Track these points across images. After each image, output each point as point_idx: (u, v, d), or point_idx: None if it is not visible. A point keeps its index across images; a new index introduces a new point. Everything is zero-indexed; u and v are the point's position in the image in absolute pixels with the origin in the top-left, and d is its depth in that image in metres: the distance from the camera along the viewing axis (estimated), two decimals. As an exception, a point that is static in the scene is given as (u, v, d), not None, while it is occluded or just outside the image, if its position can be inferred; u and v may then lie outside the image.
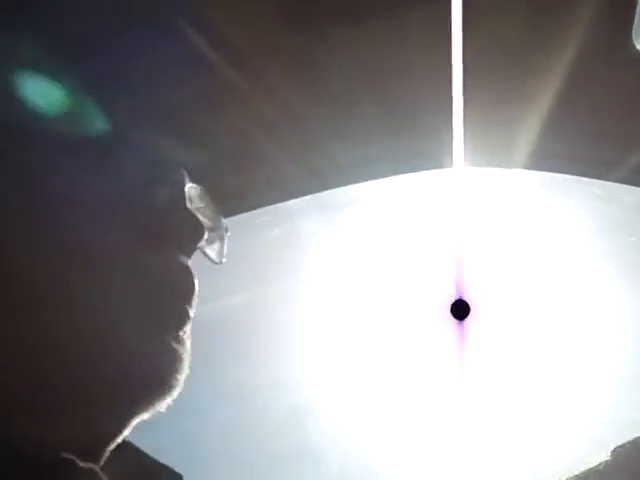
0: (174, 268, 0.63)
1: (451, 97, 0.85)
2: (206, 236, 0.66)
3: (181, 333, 0.61)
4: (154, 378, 0.59)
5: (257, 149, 0.92)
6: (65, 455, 0.53)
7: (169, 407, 0.63)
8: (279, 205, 1.02)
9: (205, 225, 0.67)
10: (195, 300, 0.64)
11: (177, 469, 0.69)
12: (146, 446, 0.66)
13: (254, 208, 1.02)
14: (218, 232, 0.73)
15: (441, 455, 1.26)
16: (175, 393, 0.60)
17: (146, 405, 0.59)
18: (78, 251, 0.58)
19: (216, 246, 0.73)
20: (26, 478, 0.50)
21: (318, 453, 1.25)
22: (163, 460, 0.69)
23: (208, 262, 0.73)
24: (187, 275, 0.63)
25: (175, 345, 0.60)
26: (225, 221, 0.75)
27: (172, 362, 0.59)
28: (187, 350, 0.61)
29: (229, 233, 0.75)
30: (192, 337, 0.64)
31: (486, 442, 1.21)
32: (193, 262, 0.70)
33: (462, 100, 0.85)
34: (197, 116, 0.85)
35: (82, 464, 0.53)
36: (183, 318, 0.62)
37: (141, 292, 0.59)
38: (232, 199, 0.97)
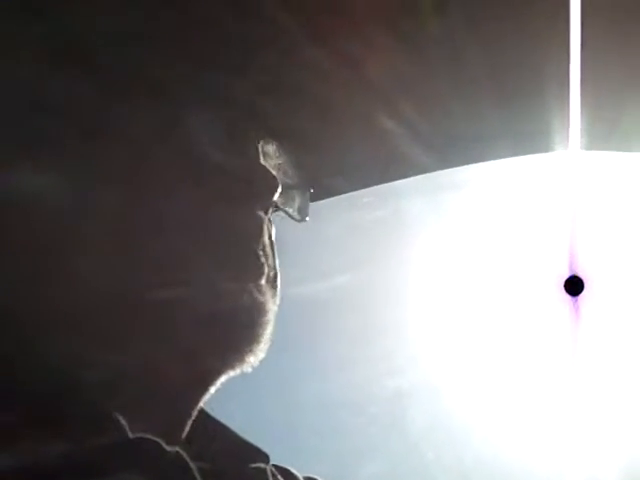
0: (249, 221, 0.63)
1: (568, 77, 0.83)
2: (280, 190, 0.65)
3: (262, 282, 0.61)
4: (240, 326, 0.59)
5: (364, 129, 0.91)
6: (150, 437, 0.53)
7: (268, 382, 0.63)
8: (383, 186, 1.01)
9: (282, 181, 0.66)
10: (274, 251, 0.65)
11: (271, 445, 0.69)
12: (241, 422, 0.66)
13: (358, 188, 1.02)
14: (299, 189, 0.73)
15: (551, 438, 1.24)
16: (263, 347, 0.60)
17: (235, 357, 0.60)
18: (158, 204, 0.58)
19: (297, 204, 0.72)
20: (112, 460, 0.51)
21: (415, 439, 1.25)
22: (258, 437, 0.70)
23: (313, 244, 0.73)
24: (262, 227, 0.63)
25: (257, 295, 0.60)
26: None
27: (255, 309, 0.60)
28: (271, 301, 0.62)
29: (312, 190, 0.75)
30: (296, 317, 0.65)
31: (597, 423, 1.18)
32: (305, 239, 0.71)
33: (579, 80, 0.82)
34: (304, 88, 0.84)
35: (168, 448, 0.54)
36: (260, 268, 0.62)
37: (219, 245, 0.60)
38: (336, 178, 0.97)
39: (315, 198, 0.96)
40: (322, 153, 0.93)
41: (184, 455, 0.55)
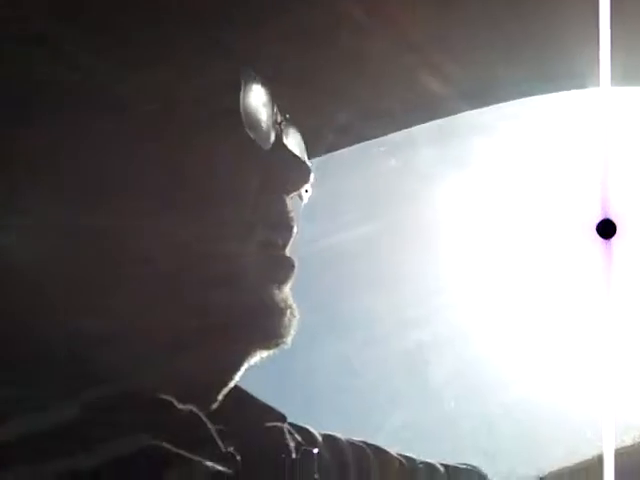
0: (282, 210, 0.62)
1: (597, 12, 0.79)
2: (312, 178, 0.65)
3: (286, 284, 0.61)
4: (269, 327, 0.59)
5: (390, 71, 0.89)
6: (163, 396, 0.53)
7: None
8: (412, 129, 0.99)
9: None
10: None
11: (288, 405, 0.69)
12: (259, 377, 0.65)
13: (386, 133, 0.99)
14: None
15: (582, 383, 1.23)
16: (285, 337, 0.60)
17: (258, 347, 0.60)
18: (192, 192, 0.58)
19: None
20: (122, 418, 0.50)
21: (437, 391, 1.24)
22: (277, 392, 0.70)
23: (325, 196, 0.72)
24: (291, 220, 0.63)
25: (289, 299, 0.60)
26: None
27: (284, 317, 0.60)
28: (290, 296, 0.61)
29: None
30: (312, 269, 0.64)
31: (629, 368, 1.17)
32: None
33: (609, 16, 0.79)
34: (320, 41, 0.81)
35: (181, 406, 0.54)
36: (292, 269, 0.62)
37: (254, 239, 0.59)
38: (364, 123, 0.95)
39: (341, 145, 0.95)
40: (348, 98, 0.91)
41: (199, 413, 0.55)
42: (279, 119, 0.66)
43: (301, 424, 0.72)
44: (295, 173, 0.64)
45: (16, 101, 0.55)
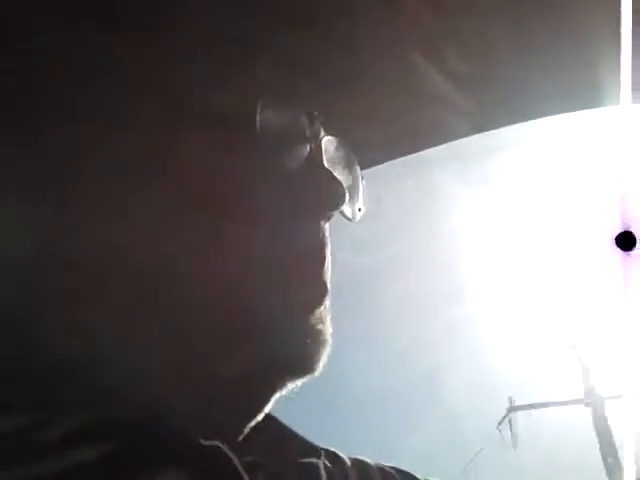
0: (313, 235, 0.59)
1: (619, 31, 0.80)
2: (347, 197, 0.61)
3: (322, 308, 0.58)
4: (296, 359, 0.57)
5: (396, 98, 0.89)
6: (188, 432, 0.52)
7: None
8: (413, 155, 0.99)
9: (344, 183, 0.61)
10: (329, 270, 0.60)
11: (305, 431, 0.67)
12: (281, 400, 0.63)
13: (389, 159, 0.99)
14: (353, 187, 0.67)
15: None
16: (317, 372, 0.58)
17: (284, 382, 0.58)
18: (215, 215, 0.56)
19: (350, 202, 0.66)
20: (147, 455, 0.50)
21: (452, 411, 1.25)
22: (299, 416, 0.68)
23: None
24: (324, 245, 0.60)
25: (319, 326, 0.57)
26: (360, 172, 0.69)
27: (315, 344, 0.57)
28: (328, 328, 0.58)
29: (364, 182, 0.69)
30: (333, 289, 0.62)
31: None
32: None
33: (630, 34, 0.80)
34: (337, 62, 0.80)
35: (206, 442, 0.52)
36: (324, 294, 0.59)
37: (279, 266, 0.56)
38: (367, 151, 0.95)
39: (372, 163, 0.95)
40: (371, 119, 0.91)
41: (223, 448, 0.54)
42: (319, 134, 0.62)
43: (330, 448, 0.69)
44: (324, 194, 0.59)
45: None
